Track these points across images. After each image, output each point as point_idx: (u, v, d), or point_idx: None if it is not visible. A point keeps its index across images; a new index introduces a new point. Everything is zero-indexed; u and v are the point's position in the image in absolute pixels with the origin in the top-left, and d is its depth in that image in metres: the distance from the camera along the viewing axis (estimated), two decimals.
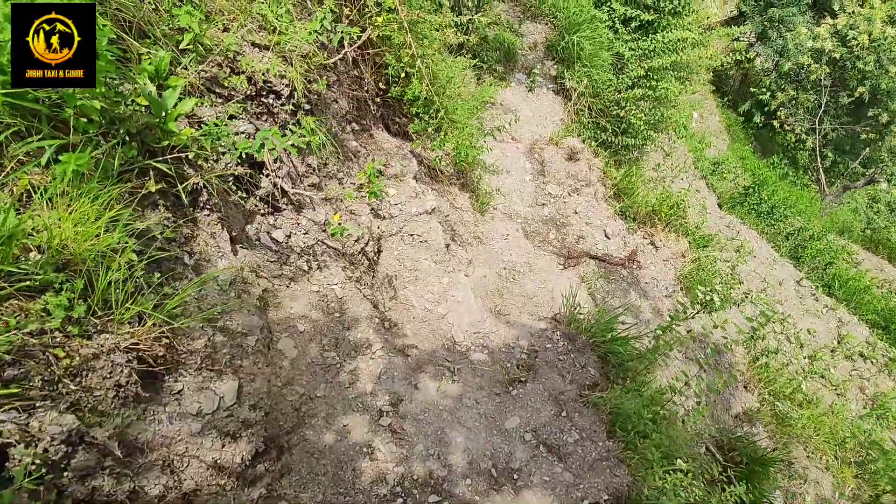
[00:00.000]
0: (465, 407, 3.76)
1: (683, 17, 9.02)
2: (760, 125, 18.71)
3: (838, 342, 11.95)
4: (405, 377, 3.74)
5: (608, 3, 9.06)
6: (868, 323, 12.53)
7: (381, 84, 5.25)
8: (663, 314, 6.55)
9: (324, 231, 3.97)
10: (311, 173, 4.03)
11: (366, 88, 5.13)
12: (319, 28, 3.56)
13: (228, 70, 3.31)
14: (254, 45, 3.50)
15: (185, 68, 3.02)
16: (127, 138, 2.69)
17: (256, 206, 3.63)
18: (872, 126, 17.07)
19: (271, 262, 3.63)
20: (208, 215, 3.17)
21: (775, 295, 11.79)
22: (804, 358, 10.58)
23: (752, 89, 18.55)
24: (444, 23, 6.57)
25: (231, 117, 3.29)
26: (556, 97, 8.52)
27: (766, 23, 18.04)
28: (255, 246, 3.59)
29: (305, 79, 3.70)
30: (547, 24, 9.05)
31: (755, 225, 13.93)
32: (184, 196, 2.82)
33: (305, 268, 3.78)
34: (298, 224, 3.78)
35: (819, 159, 17.63)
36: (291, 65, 3.60)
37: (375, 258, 4.63)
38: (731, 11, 19.87)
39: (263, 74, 3.44)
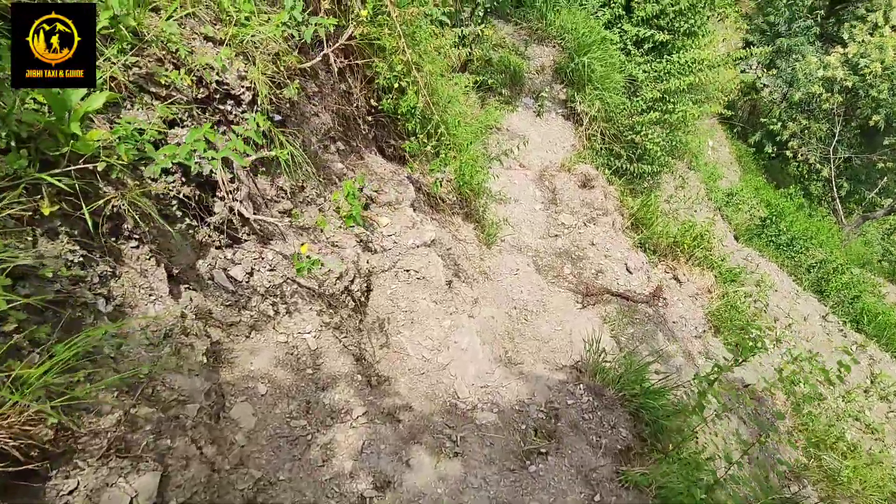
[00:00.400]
0: (472, 489, 2.94)
1: (699, 37, 8.45)
2: (772, 156, 18.08)
3: (871, 381, 11.04)
4: (394, 451, 2.93)
5: (619, 25, 8.49)
6: None
7: (372, 101, 4.59)
8: (695, 358, 5.72)
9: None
10: (283, 197, 3.31)
11: (355, 104, 4.46)
12: (289, 20, 2.89)
13: (171, 66, 2.62)
14: (206, 38, 2.82)
15: (107, 59, 2.33)
16: (13, 144, 1.98)
17: (210, 236, 2.90)
18: (889, 155, 16.41)
19: (227, 305, 2.88)
20: (137, 248, 2.43)
21: (801, 331, 10.94)
22: (839, 398, 9.69)
23: (762, 119, 17.98)
24: (442, 43, 5.98)
25: (171, 124, 2.59)
26: (566, 122, 7.87)
27: (773, 53, 17.58)
28: (207, 286, 2.84)
29: (273, 82, 3.00)
30: (555, 46, 8.47)
31: (774, 258, 13.14)
32: (89, 220, 2.08)
33: (271, 312, 3.02)
34: (263, 258, 3.03)
35: (835, 189, 16.93)
36: (254, 64, 2.92)
37: (364, 298, 3.87)
38: (737, 45, 19.45)
39: (218, 73, 2.75)
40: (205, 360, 2.59)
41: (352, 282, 3.66)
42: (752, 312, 8.13)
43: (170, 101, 2.57)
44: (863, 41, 16.30)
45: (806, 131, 17.10)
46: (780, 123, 17.30)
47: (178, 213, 2.72)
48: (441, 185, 5.26)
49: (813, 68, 16.66)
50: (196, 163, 2.29)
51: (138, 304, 2.38)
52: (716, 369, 3.49)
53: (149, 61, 2.58)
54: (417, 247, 4.52)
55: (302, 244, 3.00)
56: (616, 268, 5.88)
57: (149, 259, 2.46)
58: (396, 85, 4.10)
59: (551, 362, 4.52)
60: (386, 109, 4.34)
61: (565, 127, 7.79)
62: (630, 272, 5.90)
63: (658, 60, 8.34)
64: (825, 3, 18.43)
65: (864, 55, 16.05)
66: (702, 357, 5.84)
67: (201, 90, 2.75)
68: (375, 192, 4.57)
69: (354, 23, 3.59)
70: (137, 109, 2.46)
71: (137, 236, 2.40)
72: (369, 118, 4.70)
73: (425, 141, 4.79)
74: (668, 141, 8.29)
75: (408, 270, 4.38)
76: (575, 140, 7.72)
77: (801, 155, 17.20)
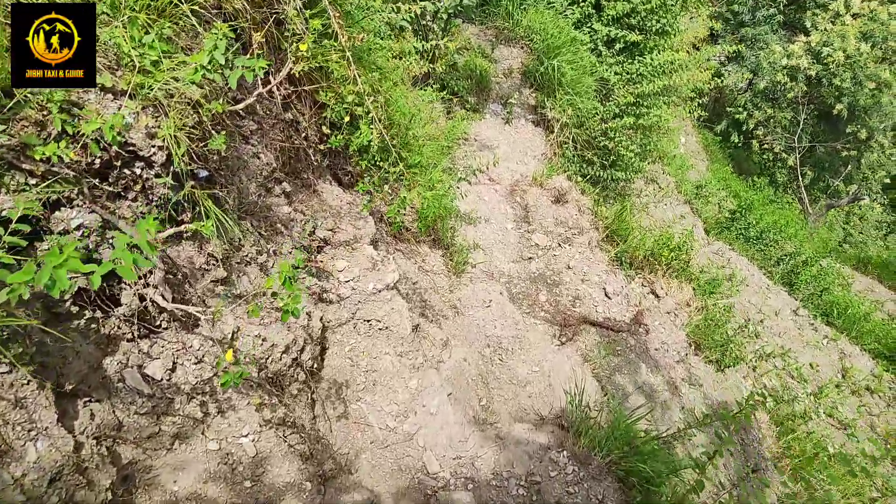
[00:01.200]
0: None
1: (671, 36, 8.02)
2: (738, 144, 17.93)
3: (843, 376, 10.98)
4: None
5: (589, 24, 8.01)
6: (871, 353, 11.61)
7: (325, 128, 4.02)
8: (679, 388, 5.37)
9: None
10: (215, 265, 2.76)
11: (304, 134, 3.89)
12: (209, 62, 2.33)
13: (53, 133, 2.04)
14: (104, 89, 2.24)
15: None
16: None
17: (119, 328, 2.34)
18: (852, 143, 16.38)
19: (142, 413, 2.33)
20: (8, 373, 1.88)
21: (773, 327, 10.79)
22: (809, 395, 9.58)
23: (727, 109, 17.79)
24: (404, 49, 5.42)
25: (55, 205, 2.02)
26: (536, 129, 7.39)
27: (738, 42, 17.33)
28: (117, 391, 2.29)
29: (192, 136, 2.44)
30: (523, 47, 7.94)
31: (744, 251, 12.97)
32: None
33: (199, 415, 2.49)
34: (188, 349, 2.49)
35: (800, 177, 16.88)
36: (167, 116, 2.35)
37: (317, 365, 3.36)
38: (703, 37, 19.15)
39: (119, 134, 2.18)
40: (110, 497, 2.06)
41: (301, 351, 3.13)
42: (738, 328, 7.85)
43: (51, 178, 2.00)
44: (825, 30, 16.14)
45: (771, 120, 16.96)
46: (745, 112, 17.13)
47: (74, 309, 2.16)
48: (403, 212, 4.75)
49: (777, 57, 16.46)
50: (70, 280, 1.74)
51: (13, 448, 1.83)
52: (717, 443, 3.08)
53: (23, 127, 2.00)
54: (379, 291, 4.01)
55: (227, 348, 2.46)
56: (594, 293, 5.46)
57: (26, 384, 1.91)
58: (347, 118, 3.55)
59: (531, 413, 4.08)
60: (334, 145, 3.79)
61: (536, 134, 7.31)
62: (609, 297, 5.49)
63: (630, 61, 7.89)
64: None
65: (826, 44, 15.90)
66: (686, 384, 5.50)
67: (98, 156, 2.18)
68: (331, 230, 4.03)
69: (294, 58, 3.02)
70: (3, 194, 1.89)
71: (7, 361, 1.85)
72: (322, 146, 4.14)
73: (385, 175, 4.25)
74: (641, 146, 7.89)
75: (368, 321, 3.87)
76: (546, 148, 7.25)
77: (767, 144, 17.07)
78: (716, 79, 19.17)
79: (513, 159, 6.83)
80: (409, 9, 4.65)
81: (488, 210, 6.02)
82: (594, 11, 8.01)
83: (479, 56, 7.44)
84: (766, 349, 9.58)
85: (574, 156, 7.46)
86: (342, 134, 3.63)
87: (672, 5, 7.83)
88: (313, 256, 3.65)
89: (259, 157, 3.30)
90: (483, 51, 7.57)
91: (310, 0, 3.37)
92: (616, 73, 7.84)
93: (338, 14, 3.27)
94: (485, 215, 5.94)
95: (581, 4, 7.99)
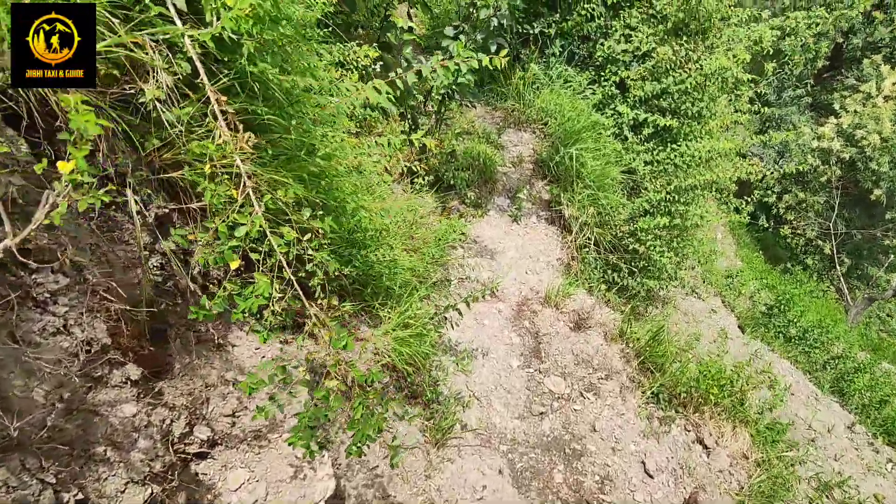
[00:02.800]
0: None
1: (708, 121, 6.69)
2: (767, 228, 16.41)
3: None
4: None
5: (612, 106, 6.73)
6: None
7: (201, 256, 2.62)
8: None
9: None
10: None
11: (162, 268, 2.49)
12: None
13: None
14: None
15: None
16: None
17: None
18: (893, 230, 14.77)
19: None
20: None
21: (827, 447, 8.88)
22: None
23: (755, 191, 16.39)
24: (388, 139, 4.10)
25: None
26: (550, 228, 5.97)
27: (764, 123, 16.14)
28: None
29: None
30: (535, 132, 6.66)
31: (785, 352, 11.19)
32: None
33: None
34: None
35: (837, 266, 15.18)
36: None
37: None
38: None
39: None
40: None
41: None
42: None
43: None
44: (856, 111, 14.89)
45: (802, 204, 15.49)
46: (774, 195, 15.72)
47: None
48: (356, 366, 3.26)
49: (806, 139, 15.18)
50: None
51: None
52: None
53: None
54: None
55: None
56: (630, 470, 3.84)
57: None
58: (236, 263, 2.12)
59: None
60: (207, 318, 2.33)
61: (550, 235, 5.88)
62: (650, 475, 3.87)
63: (661, 149, 6.54)
64: (812, 72, 17.14)
65: (859, 126, 14.61)
66: None
67: None
68: (230, 416, 2.54)
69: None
70: None
71: None
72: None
73: (334, 312, 2.79)
74: (677, 249, 6.42)
75: None
76: (562, 252, 5.80)
77: (799, 229, 15.53)
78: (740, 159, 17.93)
79: (522, 267, 5.38)
80: (388, 90, 3.34)
81: (488, 338, 4.51)
82: (618, 92, 6.75)
83: (483, 142, 6.14)
84: (822, 477, 7.73)
85: (596, 261, 5.99)
86: (225, 291, 2.16)
87: (709, 85, 6.55)
88: (171, 481, 2.14)
89: (70, 333, 1.87)
90: (488, 136, 6.28)
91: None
92: (645, 163, 6.48)
93: (222, 99, 1.90)
94: (483, 345, 4.42)
95: (603, 84, 6.74)
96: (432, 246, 4.79)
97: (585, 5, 6.67)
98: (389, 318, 3.52)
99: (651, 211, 6.15)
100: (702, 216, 6.04)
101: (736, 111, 6.86)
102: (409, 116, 4.86)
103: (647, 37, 6.59)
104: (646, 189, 6.23)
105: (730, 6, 6.85)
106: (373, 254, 3.28)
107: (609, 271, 6.09)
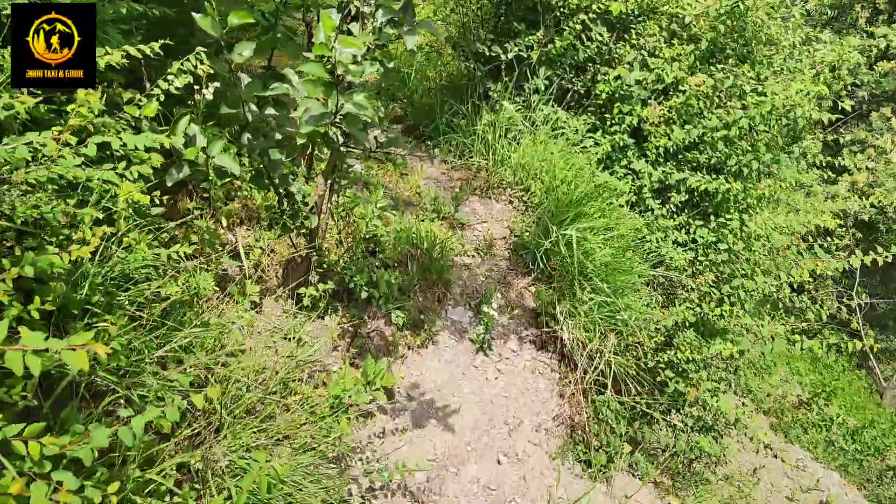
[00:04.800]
0: None
1: (753, 180, 4.46)
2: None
3: None
4: None
5: (624, 162, 4.44)
6: None
7: None
8: None
9: None
10: None
11: None
12: None
13: None
14: None
15: None
16: None
17: None
18: None
19: None
20: None
21: None
22: None
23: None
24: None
25: None
26: (539, 360, 3.52)
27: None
28: None
29: None
30: (511, 202, 4.33)
31: (832, 460, 8.66)
32: None
33: None
34: None
35: (864, 340, 12.83)
36: None
37: None
38: None
39: None
40: None
41: None
42: None
43: None
44: (870, 168, 12.98)
45: (819, 273, 13.31)
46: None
47: None
48: None
49: (818, 198, 13.18)
50: None
51: None
52: None
53: None
54: None
55: None
56: None
57: None
58: None
59: None
60: None
61: (539, 372, 3.43)
62: None
63: (701, 222, 4.22)
64: (819, 128, 15.35)
65: (876, 184, 12.66)
66: None
67: None
68: None
69: None
70: None
71: None
72: None
73: None
74: (736, 379, 4.00)
75: None
76: (561, 404, 3.33)
77: (818, 300, 13.30)
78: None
79: (491, 445, 2.90)
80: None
81: None
82: (631, 141, 4.47)
83: (430, 217, 3.77)
84: None
85: (615, 412, 3.50)
86: None
87: (765, 130, 4.34)
88: None
89: None
90: (439, 208, 3.91)
91: None
92: (678, 245, 4.14)
93: None
94: None
95: (610, 130, 4.47)
96: (325, 415, 2.36)
97: (577, 18, 4.47)
98: None
99: (693, 323, 3.75)
100: (779, 333, 3.66)
101: (807, 166, 4.67)
102: (275, 183, 2.46)
103: (670, 63, 4.39)
104: (686, 289, 3.86)
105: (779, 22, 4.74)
106: None
107: (638, 423, 3.60)
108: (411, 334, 3.24)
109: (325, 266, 3.01)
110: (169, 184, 2.04)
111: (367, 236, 3.28)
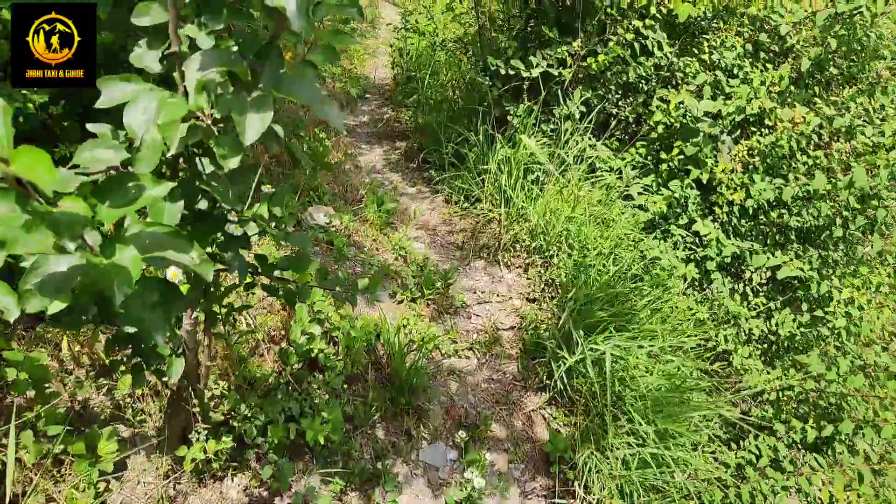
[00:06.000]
0: None
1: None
2: None
3: None
4: None
5: (681, 221, 3.22)
6: None
7: None
8: None
9: None
10: None
11: None
12: None
13: None
14: None
15: None
16: None
17: None
18: None
19: None
20: None
21: None
22: None
23: None
24: None
25: None
26: None
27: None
28: None
29: None
30: (527, 272, 3.19)
31: None
32: None
33: None
34: None
35: None
36: None
37: None
38: None
39: None
40: None
41: None
42: None
43: None
44: None
45: None
46: None
47: None
48: None
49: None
50: None
51: None
52: None
53: None
54: None
55: None
56: None
57: None
58: None
59: None
60: None
61: None
62: None
63: (808, 321, 2.99)
64: None
65: None
66: None
67: None
68: None
69: None
70: None
71: None
72: None
73: None
74: None
75: None
76: None
77: None
78: None
79: None
80: None
81: None
82: (697, 193, 3.24)
83: (414, 294, 2.68)
84: None
85: None
86: None
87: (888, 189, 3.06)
88: None
89: None
90: (426, 281, 2.81)
91: None
92: (756, 343, 2.93)
93: None
94: None
95: (664, 174, 3.26)
96: None
97: (630, 25, 3.25)
98: None
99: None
100: None
101: None
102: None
103: (755, 90, 3.12)
104: (772, 436, 2.64)
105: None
106: None
107: None
108: (359, 497, 2.17)
109: (214, 415, 1.96)
110: None
111: (304, 351, 2.21)
